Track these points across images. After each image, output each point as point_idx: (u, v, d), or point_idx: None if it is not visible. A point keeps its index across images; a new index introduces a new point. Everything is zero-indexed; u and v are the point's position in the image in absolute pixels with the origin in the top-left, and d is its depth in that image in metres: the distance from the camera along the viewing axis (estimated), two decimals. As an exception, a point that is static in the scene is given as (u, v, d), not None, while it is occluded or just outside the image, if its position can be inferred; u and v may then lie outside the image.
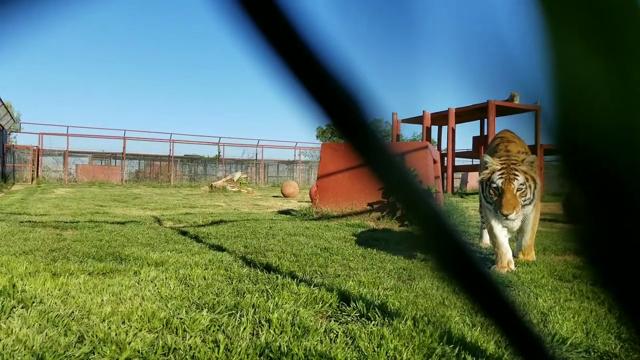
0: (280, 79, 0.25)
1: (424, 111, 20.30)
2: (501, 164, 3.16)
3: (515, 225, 3.29)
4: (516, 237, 3.67)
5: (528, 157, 3.19)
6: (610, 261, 0.27)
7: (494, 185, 3.14)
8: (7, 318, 1.96)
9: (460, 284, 0.30)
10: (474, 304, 0.31)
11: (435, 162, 7.75)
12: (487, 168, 3.24)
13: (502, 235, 3.39)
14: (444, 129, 21.90)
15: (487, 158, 3.24)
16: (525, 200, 3.11)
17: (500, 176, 3.11)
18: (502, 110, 18.53)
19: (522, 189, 3.09)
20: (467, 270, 0.30)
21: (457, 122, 20.34)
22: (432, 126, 22.00)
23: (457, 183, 22.62)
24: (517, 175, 3.08)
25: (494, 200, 3.17)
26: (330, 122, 0.26)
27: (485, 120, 19.17)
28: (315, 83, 0.26)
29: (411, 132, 35.61)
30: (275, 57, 0.25)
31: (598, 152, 0.25)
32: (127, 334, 1.78)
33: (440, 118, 20.67)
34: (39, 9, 0.26)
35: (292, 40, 0.25)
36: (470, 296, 0.31)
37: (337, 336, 1.86)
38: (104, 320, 1.94)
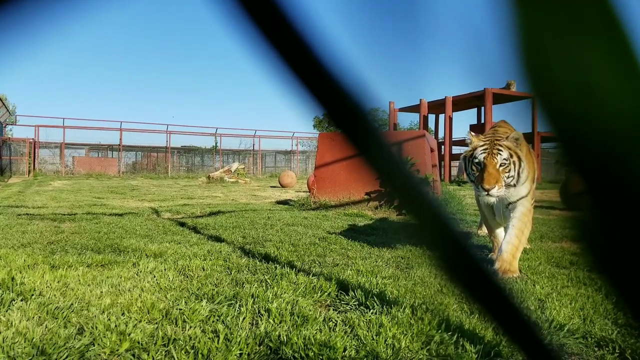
0: (275, 69, 0.25)
1: (421, 100, 20.26)
2: (484, 140, 3.01)
3: (496, 201, 2.99)
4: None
5: (512, 133, 3.01)
6: (608, 248, 0.27)
7: (476, 160, 2.97)
8: (7, 311, 1.97)
9: (454, 274, 0.30)
10: (467, 293, 0.31)
11: (432, 150, 7.76)
12: (470, 144, 3.09)
13: (493, 218, 3.32)
14: (441, 117, 21.87)
15: (471, 134, 3.10)
16: (509, 178, 2.91)
17: (483, 151, 2.96)
18: (499, 98, 18.51)
19: (505, 164, 2.90)
20: (460, 260, 0.30)
21: (454, 110, 20.32)
22: (429, 115, 21.98)
23: (454, 171, 22.68)
24: (500, 150, 2.91)
25: (476, 175, 2.99)
26: (324, 113, 0.26)
27: (483, 108, 19.16)
28: (310, 73, 0.25)
29: (408, 120, 35.54)
30: (270, 47, 0.25)
31: (596, 138, 0.25)
32: (127, 325, 1.78)
33: (437, 106, 20.64)
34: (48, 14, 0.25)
35: (287, 30, 0.25)
36: (464, 285, 0.31)
37: (336, 325, 1.87)
38: (103, 312, 1.95)
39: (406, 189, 0.29)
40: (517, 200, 3.02)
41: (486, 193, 2.87)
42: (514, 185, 2.93)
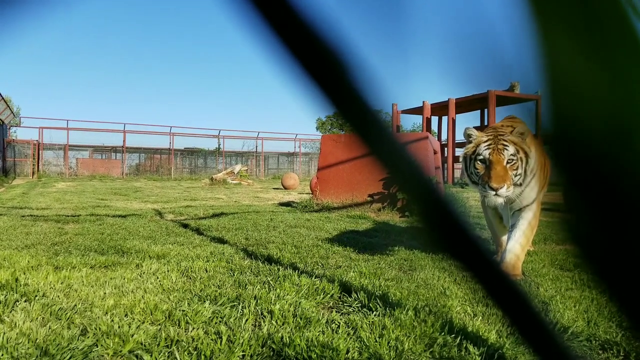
0: (288, 68, 0.25)
1: (423, 102, 20.25)
2: (487, 135, 2.75)
3: (503, 202, 2.75)
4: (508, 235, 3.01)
5: (518, 127, 2.73)
6: (597, 249, 0.27)
7: (481, 157, 2.70)
8: (11, 312, 1.97)
9: (468, 272, 0.30)
10: (483, 291, 0.31)
11: (435, 152, 7.74)
12: (471, 141, 2.82)
13: (499, 223, 3.22)
14: (444, 119, 21.86)
15: (471, 130, 2.82)
16: (516, 176, 2.66)
17: (487, 147, 2.69)
18: (502, 100, 18.49)
19: (513, 160, 2.65)
20: (475, 259, 0.30)
21: (457, 112, 20.30)
22: (432, 117, 21.96)
23: (457, 173, 22.64)
24: (506, 146, 2.65)
25: (480, 174, 2.72)
26: (336, 111, 0.26)
27: (486, 110, 19.13)
28: (323, 72, 0.26)
29: (411, 123, 35.51)
30: (283, 47, 0.25)
31: (585, 143, 0.25)
32: (129, 327, 1.79)
33: (440, 108, 20.61)
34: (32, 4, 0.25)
35: (300, 29, 0.25)
36: (479, 283, 0.31)
37: (339, 327, 1.87)
38: (106, 313, 1.95)
39: (418, 188, 0.29)
40: (527, 205, 2.82)
41: (494, 193, 2.62)
42: (520, 184, 2.70)
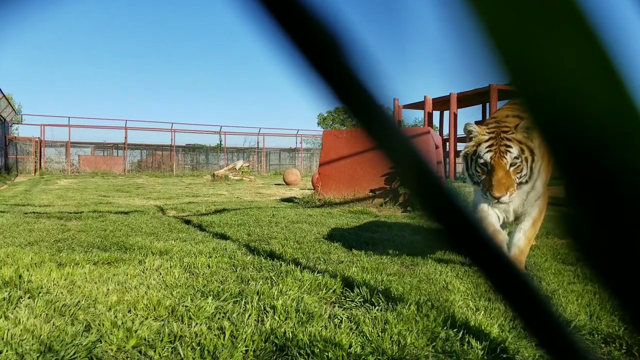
0: (292, 62, 0.25)
1: (425, 96, 20.21)
2: (489, 133, 2.50)
3: (510, 211, 2.65)
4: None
5: (523, 121, 2.48)
6: (593, 243, 0.27)
7: (481, 160, 2.50)
8: (15, 308, 1.98)
9: (474, 266, 0.30)
10: (488, 283, 0.31)
11: (437, 147, 7.73)
12: (471, 139, 2.59)
13: (494, 217, 3.14)
14: (446, 114, 21.83)
15: (472, 127, 2.59)
16: (521, 177, 2.48)
17: (488, 149, 2.47)
18: (504, 94, 18.44)
19: (516, 163, 2.43)
20: (480, 251, 0.30)
21: (459, 107, 20.27)
22: (434, 111, 21.93)
23: (459, 168, 22.62)
24: (509, 147, 2.43)
25: (482, 179, 2.53)
26: (341, 104, 0.26)
27: (487, 104, 19.10)
28: (328, 66, 0.25)
29: (413, 117, 35.44)
30: (288, 40, 0.25)
31: (577, 136, 0.25)
32: (133, 322, 1.79)
33: (441, 103, 20.59)
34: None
35: (305, 23, 0.25)
36: (486, 276, 0.31)
37: (341, 322, 1.87)
38: (110, 309, 1.96)
39: (423, 181, 0.29)
40: (534, 201, 2.66)
41: (496, 201, 2.45)
42: (526, 182, 2.51)
